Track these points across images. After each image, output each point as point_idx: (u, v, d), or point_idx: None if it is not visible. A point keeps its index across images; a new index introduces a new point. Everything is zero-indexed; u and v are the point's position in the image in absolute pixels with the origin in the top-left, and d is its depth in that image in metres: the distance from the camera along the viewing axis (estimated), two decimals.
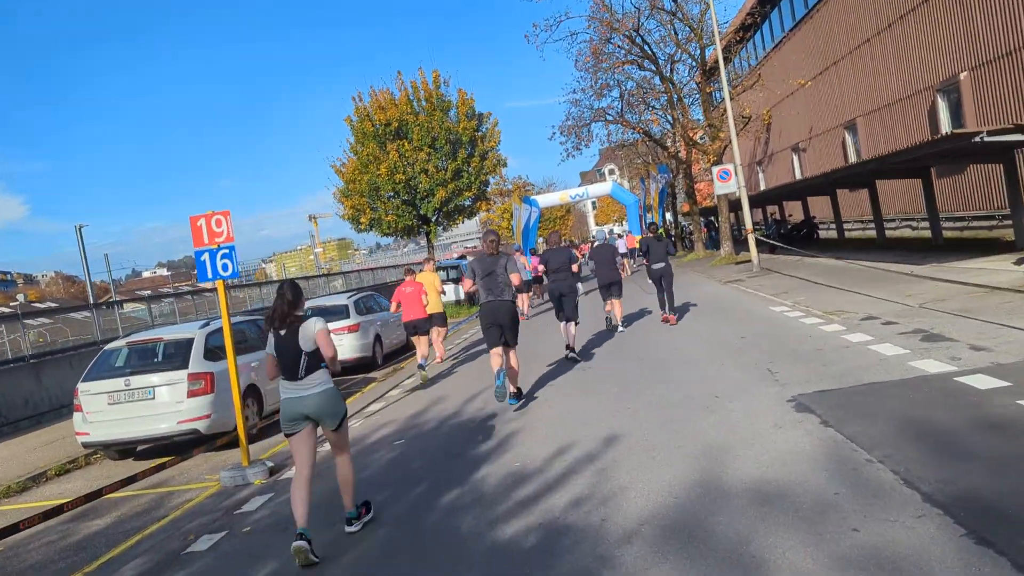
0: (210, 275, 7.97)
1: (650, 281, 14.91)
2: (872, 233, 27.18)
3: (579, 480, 5.75)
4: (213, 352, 9.60)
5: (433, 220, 26.12)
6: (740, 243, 32.88)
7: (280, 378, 5.62)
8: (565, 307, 11.78)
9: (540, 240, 66.07)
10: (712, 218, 46.71)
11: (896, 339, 8.83)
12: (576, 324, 12.02)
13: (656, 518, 4.73)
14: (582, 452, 6.49)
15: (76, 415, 9.42)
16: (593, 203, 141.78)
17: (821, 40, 29.18)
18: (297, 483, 5.46)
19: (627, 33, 29.51)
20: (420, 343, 12.86)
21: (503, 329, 8.93)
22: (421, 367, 12.44)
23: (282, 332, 5.56)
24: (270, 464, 8.02)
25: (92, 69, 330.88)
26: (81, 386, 9.42)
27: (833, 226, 31.08)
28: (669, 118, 33.40)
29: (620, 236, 41.50)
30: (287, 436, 5.64)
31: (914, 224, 23.79)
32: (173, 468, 8.67)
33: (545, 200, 47.89)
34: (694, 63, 30.94)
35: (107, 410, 9.15)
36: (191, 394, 9.11)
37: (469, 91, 25.84)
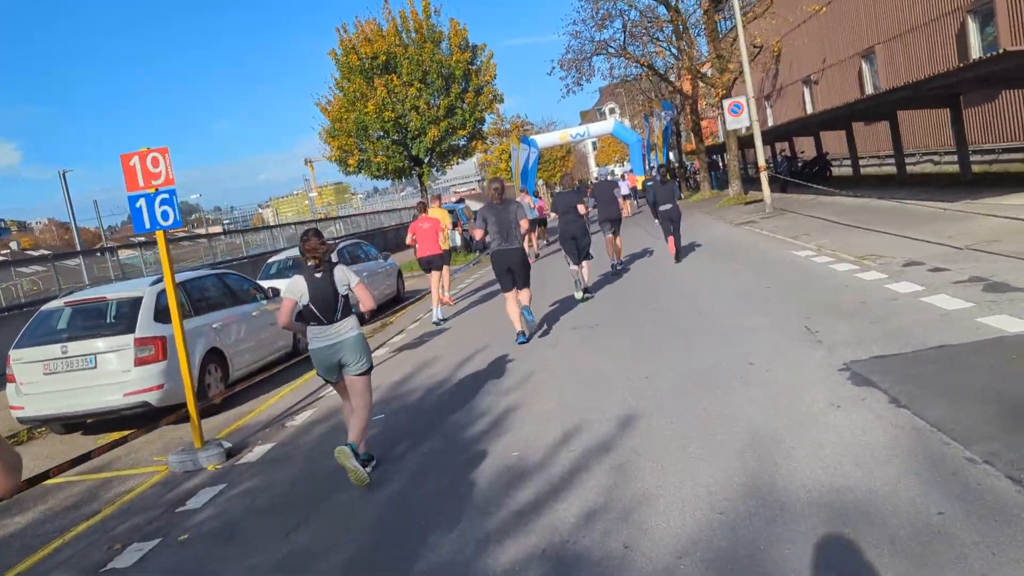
0: (147, 224, 6.70)
1: (656, 222, 14.76)
2: (890, 169, 25.75)
3: (592, 481, 4.58)
4: (166, 313, 8.11)
5: (426, 161, 24.64)
6: (748, 182, 31.48)
7: (310, 325, 5.60)
8: (580, 248, 11.87)
9: (540, 182, 64.46)
10: (716, 156, 45.15)
11: (953, 289, 7.59)
12: (588, 262, 12.23)
13: (698, 546, 3.55)
14: (593, 438, 5.31)
15: (8, 386, 8.17)
16: (594, 143, 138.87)
17: None
18: (349, 412, 5.79)
19: None
20: (433, 279, 12.66)
21: (514, 273, 9.39)
22: (436, 323, 12.43)
23: (318, 275, 5.55)
24: (227, 445, 6.88)
25: (80, 8, 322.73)
26: (13, 353, 8.22)
27: (847, 162, 29.60)
28: (674, 50, 31.55)
29: (622, 176, 39.90)
30: (328, 383, 5.93)
31: (936, 159, 22.36)
32: (125, 447, 7.53)
33: (544, 140, 46.14)
34: None
35: (43, 381, 8.00)
36: (139, 362, 7.93)
37: (462, 21, 24.12)
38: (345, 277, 5.60)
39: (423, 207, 13.42)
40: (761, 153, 21.76)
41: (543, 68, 77.80)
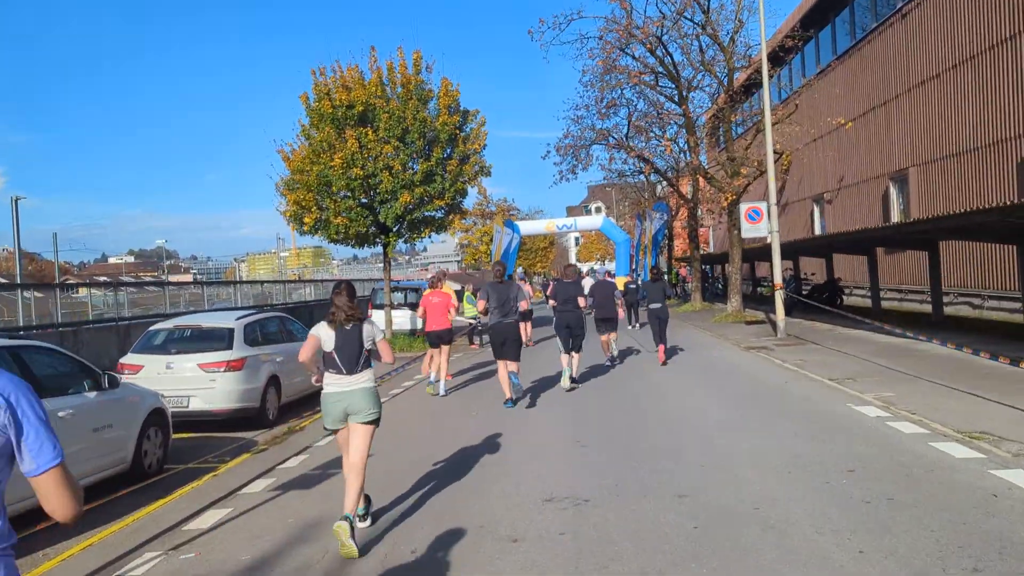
0: None
1: (635, 325, 16.85)
2: (913, 305, 22.96)
3: None
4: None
5: (394, 230, 21.45)
6: (746, 299, 28.49)
7: (327, 371, 5.77)
8: (574, 338, 12.15)
9: (519, 270, 61.67)
10: (708, 267, 42.60)
11: None
12: (579, 354, 12.50)
13: None
14: None
15: None
16: (576, 238, 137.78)
17: (871, 75, 25.13)
18: (348, 469, 5.65)
19: (648, 41, 25.26)
20: (438, 354, 12.79)
21: (507, 346, 10.83)
22: (431, 384, 12.76)
23: (347, 327, 5.75)
24: None
25: (88, 53, 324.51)
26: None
27: (859, 291, 26.91)
28: (684, 144, 29.08)
29: (611, 275, 37.02)
30: (332, 431, 5.94)
31: (977, 301, 19.53)
32: None
33: (529, 227, 43.52)
34: (719, 87, 26.78)
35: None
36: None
37: (455, 81, 21.32)
38: (372, 333, 5.85)
39: (435, 281, 13.91)
40: (778, 268, 18.82)
41: (534, 159, 76.32)
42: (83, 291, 25.64)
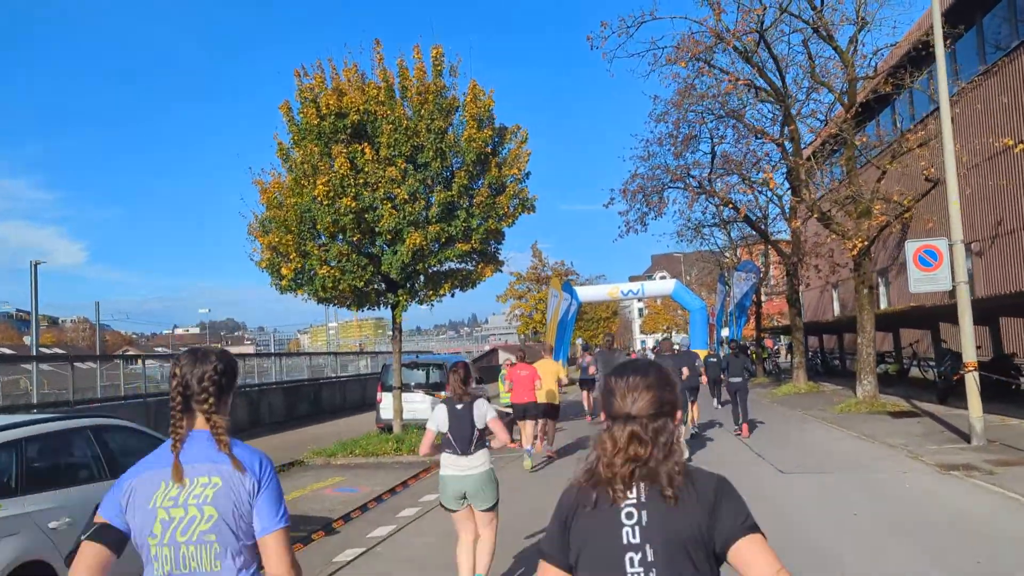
0: None
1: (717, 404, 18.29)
2: None
3: None
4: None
5: (405, 287, 15.75)
6: (828, 374, 21.67)
7: (443, 452, 5.90)
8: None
9: (578, 340, 55.29)
10: (788, 337, 35.73)
11: None
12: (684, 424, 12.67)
13: None
14: None
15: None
16: (640, 310, 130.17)
17: None
18: (462, 548, 5.91)
19: (742, 43, 19.44)
20: (526, 427, 13.31)
21: None
22: (528, 453, 12.82)
23: (459, 407, 5.90)
24: None
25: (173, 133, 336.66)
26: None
27: None
28: (783, 183, 22.92)
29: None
30: (449, 511, 5.98)
31: None
32: None
33: (588, 293, 37.56)
34: (832, 106, 20.76)
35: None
36: None
37: (487, 89, 15.78)
38: (483, 412, 5.92)
39: (522, 356, 14.45)
40: (970, 337, 12.29)
41: (592, 231, 70.62)
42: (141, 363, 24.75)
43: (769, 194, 27.08)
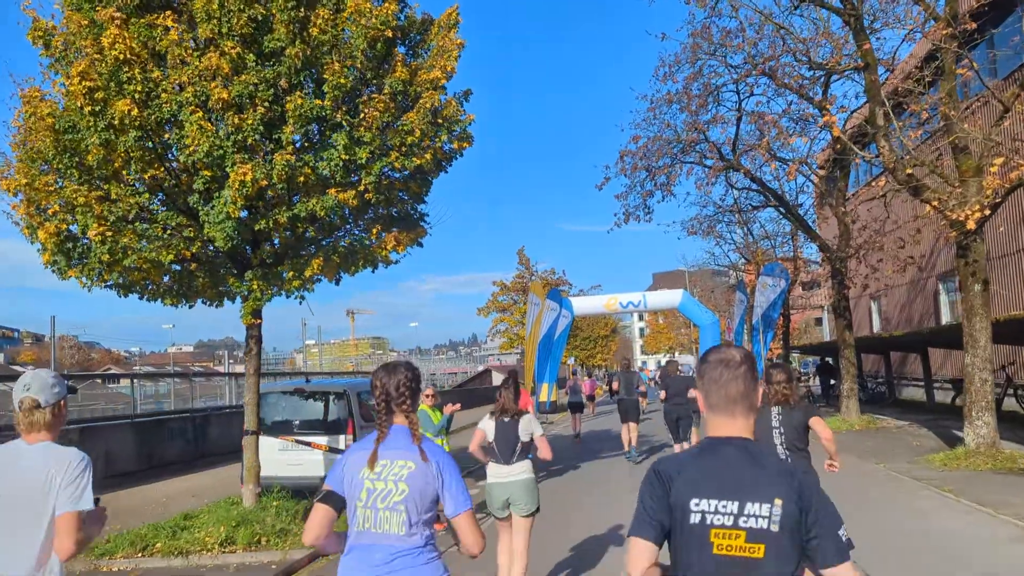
0: None
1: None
2: None
3: None
4: None
5: (254, 267, 9.48)
6: (870, 402, 15.01)
7: (490, 461, 6.37)
8: (681, 429, 13.90)
9: (571, 360, 48.73)
10: (828, 358, 29.32)
11: None
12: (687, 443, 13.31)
13: None
14: None
15: None
16: (641, 329, 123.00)
17: None
18: (503, 549, 6.32)
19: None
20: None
21: (628, 411, 15.63)
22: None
23: (506, 419, 6.37)
24: None
25: None
26: None
27: None
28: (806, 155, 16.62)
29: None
30: (496, 519, 6.41)
31: None
32: None
33: (583, 305, 30.85)
34: (922, 23, 14.59)
35: None
36: None
37: None
38: (529, 427, 6.34)
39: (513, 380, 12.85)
40: None
41: (590, 255, 64.78)
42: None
43: (808, 170, 20.81)
